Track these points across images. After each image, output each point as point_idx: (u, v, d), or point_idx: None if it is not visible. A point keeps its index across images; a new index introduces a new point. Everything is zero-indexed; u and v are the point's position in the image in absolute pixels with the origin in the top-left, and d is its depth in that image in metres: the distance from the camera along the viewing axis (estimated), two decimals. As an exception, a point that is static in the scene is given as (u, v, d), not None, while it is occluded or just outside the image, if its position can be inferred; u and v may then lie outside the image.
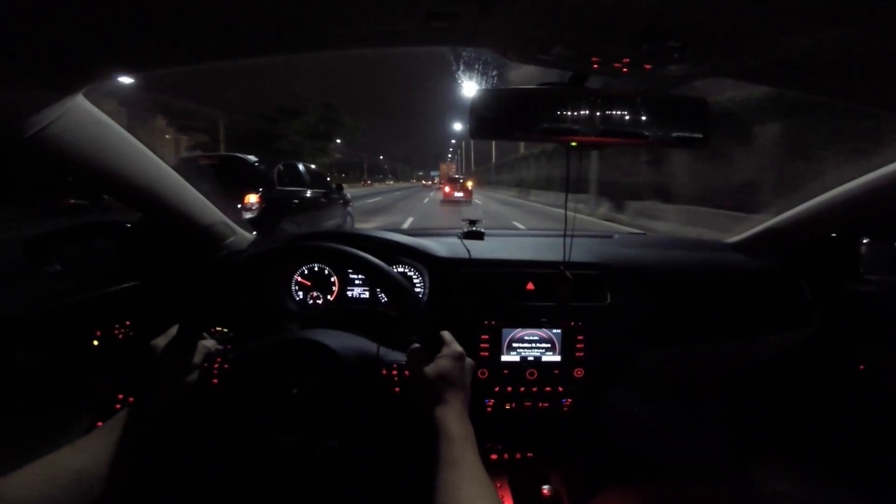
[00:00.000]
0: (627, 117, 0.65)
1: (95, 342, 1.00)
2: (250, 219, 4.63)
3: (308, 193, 5.88)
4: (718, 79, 0.67)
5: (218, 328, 0.99)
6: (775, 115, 6.85)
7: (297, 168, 6.09)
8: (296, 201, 5.52)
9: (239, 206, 4.63)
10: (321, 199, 6.27)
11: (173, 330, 0.70)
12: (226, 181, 4.45)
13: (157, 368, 0.66)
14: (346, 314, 1.11)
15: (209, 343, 0.74)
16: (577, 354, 1.04)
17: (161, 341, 0.69)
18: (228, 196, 4.32)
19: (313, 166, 6.97)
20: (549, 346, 1.04)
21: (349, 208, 7.44)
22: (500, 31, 0.55)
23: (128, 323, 1.06)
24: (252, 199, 4.69)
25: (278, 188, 5.24)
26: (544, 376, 1.05)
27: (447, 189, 19.39)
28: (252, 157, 5.43)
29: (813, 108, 6.07)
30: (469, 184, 19.50)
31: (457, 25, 0.53)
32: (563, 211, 0.86)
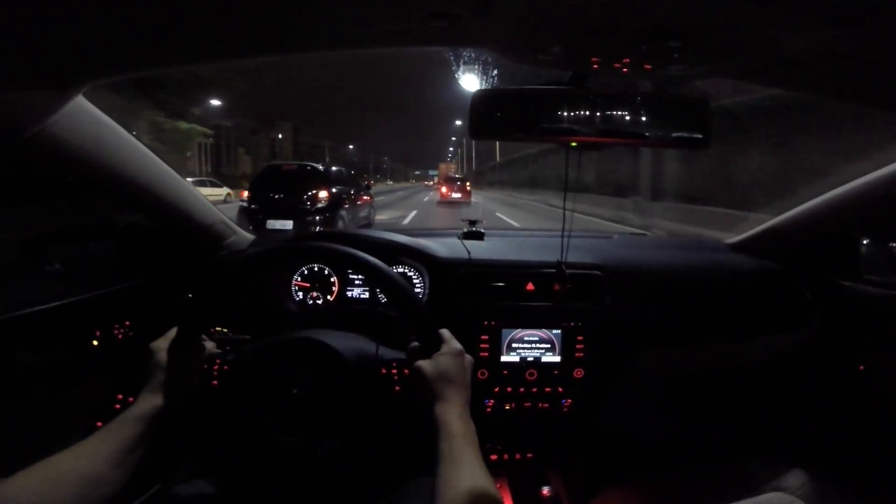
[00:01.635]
0: (627, 117, 0.65)
1: (95, 342, 1.00)
2: (320, 208, 6.59)
3: (350, 190, 7.88)
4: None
5: (218, 329, 0.99)
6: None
7: (343, 171, 8.31)
8: (344, 196, 7.39)
9: (307, 199, 6.58)
10: (358, 194, 8.35)
11: (173, 331, 0.70)
12: (303, 182, 6.67)
13: (157, 369, 0.66)
14: (345, 314, 1.11)
15: (209, 344, 0.74)
16: (576, 355, 1.04)
17: (161, 342, 0.69)
18: (305, 192, 6.57)
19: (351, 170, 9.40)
20: (548, 346, 1.04)
21: (373, 201, 9.49)
22: (499, 31, 0.55)
23: (127, 323, 1.06)
24: (323, 194, 6.67)
25: (336, 187, 7.16)
26: (544, 377, 1.05)
27: (444, 189, 18.35)
28: (320, 165, 7.57)
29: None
30: (468, 184, 19.06)
31: (457, 25, 0.53)
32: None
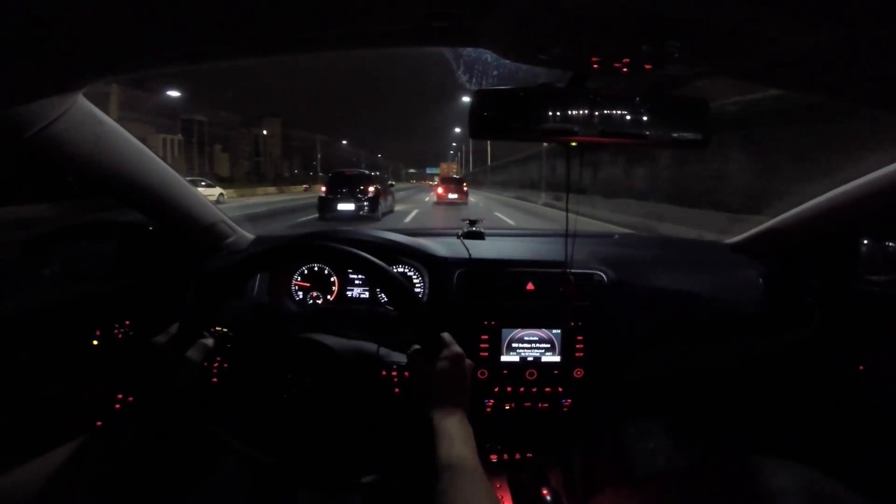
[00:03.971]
0: (627, 117, 0.65)
1: (95, 342, 1.00)
2: (369, 197, 10.64)
3: (381, 186, 11.83)
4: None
5: (218, 328, 0.99)
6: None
7: (379, 175, 13.73)
8: (380, 190, 11.37)
9: (361, 192, 10.62)
10: (386, 188, 12.86)
11: (173, 329, 0.70)
12: (359, 181, 10.86)
13: (157, 368, 0.66)
14: (346, 314, 1.11)
15: (209, 342, 0.74)
16: (576, 355, 1.04)
17: (161, 340, 0.69)
18: (359, 187, 10.61)
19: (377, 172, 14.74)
20: (548, 346, 1.04)
21: (393, 196, 14.06)
22: (499, 32, 0.55)
23: (127, 323, 1.06)
24: (371, 189, 10.82)
25: (377, 185, 11.27)
26: (544, 377, 1.05)
27: (440, 190, 17.83)
28: (367, 171, 12.29)
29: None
30: (464, 185, 18.50)
31: (457, 25, 0.53)
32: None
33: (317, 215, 10.94)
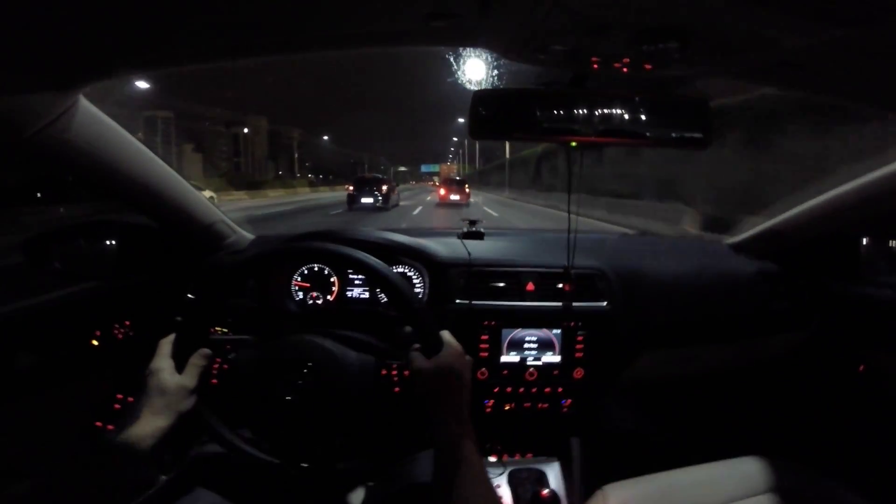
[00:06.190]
0: (627, 117, 0.65)
1: (95, 342, 1.00)
2: (384, 193, 15.29)
3: (390, 184, 16.69)
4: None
5: (218, 328, 0.99)
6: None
7: (389, 178, 23.19)
8: (391, 188, 16.21)
9: (377, 189, 15.32)
10: (393, 185, 17.91)
11: (167, 346, 0.69)
12: (376, 182, 16.37)
13: (156, 391, 0.65)
14: (345, 314, 1.11)
15: (205, 352, 0.73)
16: (576, 355, 1.04)
17: (160, 362, 0.68)
18: (375, 187, 15.81)
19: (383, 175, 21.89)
20: (548, 346, 1.04)
21: (398, 193, 18.94)
22: (500, 31, 0.55)
23: (127, 322, 1.06)
24: (385, 187, 15.64)
25: (388, 185, 16.21)
26: (544, 377, 1.05)
27: (442, 191, 18.44)
28: (381, 175, 24.79)
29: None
30: (466, 186, 18.75)
31: (457, 25, 0.53)
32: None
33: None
